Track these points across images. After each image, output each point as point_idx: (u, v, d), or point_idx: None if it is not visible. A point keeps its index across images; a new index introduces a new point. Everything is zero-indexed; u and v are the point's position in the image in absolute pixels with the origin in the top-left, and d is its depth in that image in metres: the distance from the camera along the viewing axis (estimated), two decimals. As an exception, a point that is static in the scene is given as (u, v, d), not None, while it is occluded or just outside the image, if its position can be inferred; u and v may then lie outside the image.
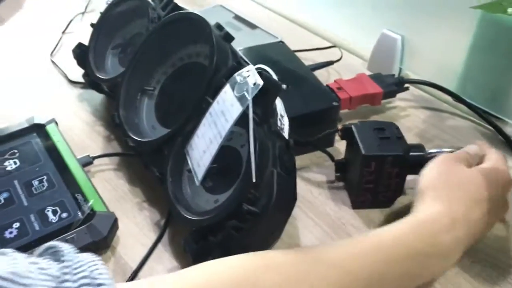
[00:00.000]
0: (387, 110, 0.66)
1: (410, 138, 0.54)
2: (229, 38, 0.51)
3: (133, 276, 0.45)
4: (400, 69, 0.72)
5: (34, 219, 0.48)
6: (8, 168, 0.53)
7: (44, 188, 0.51)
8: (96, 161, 0.56)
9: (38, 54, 0.76)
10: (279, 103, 0.47)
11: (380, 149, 0.49)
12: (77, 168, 0.53)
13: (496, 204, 0.44)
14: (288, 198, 0.44)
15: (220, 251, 0.42)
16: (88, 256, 0.31)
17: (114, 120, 0.56)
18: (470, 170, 0.44)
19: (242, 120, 0.43)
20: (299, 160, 0.52)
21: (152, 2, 0.60)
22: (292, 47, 0.69)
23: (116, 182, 0.55)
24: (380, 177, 0.49)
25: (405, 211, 0.51)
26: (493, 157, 0.47)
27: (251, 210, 0.40)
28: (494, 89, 0.64)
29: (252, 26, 0.80)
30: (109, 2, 0.66)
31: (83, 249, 0.32)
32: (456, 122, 0.65)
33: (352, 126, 0.52)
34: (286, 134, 0.45)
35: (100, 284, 0.28)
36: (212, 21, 0.52)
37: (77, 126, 0.63)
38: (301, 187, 0.54)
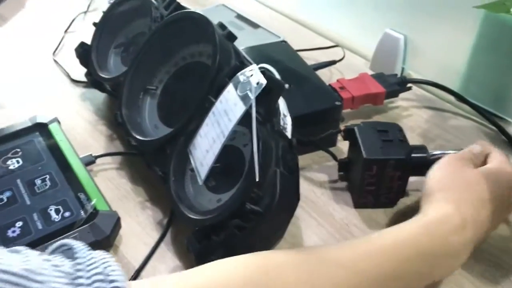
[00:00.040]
0: (390, 109, 0.66)
1: (413, 138, 0.54)
2: (232, 37, 0.51)
3: (135, 275, 0.45)
4: (403, 69, 0.72)
5: (37, 218, 0.48)
6: (11, 167, 0.53)
7: (47, 187, 0.51)
8: (98, 160, 0.56)
9: (41, 53, 0.76)
10: (282, 103, 0.47)
11: (382, 152, 0.49)
12: (80, 167, 0.53)
13: (501, 204, 0.44)
14: (291, 198, 0.44)
15: (223, 250, 0.42)
16: (100, 254, 0.31)
17: (116, 119, 0.56)
18: (476, 171, 0.44)
19: (245, 120, 0.43)
20: (301, 160, 0.52)
21: (154, 1, 0.59)
22: (295, 46, 0.69)
23: (118, 181, 0.55)
24: (381, 180, 0.49)
25: (408, 211, 0.52)
26: (498, 158, 0.47)
27: (254, 209, 0.40)
28: (497, 89, 0.64)
29: (255, 25, 0.80)
30: (111, 1, 0.66)
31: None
32: (459, 122, 0.64)
33: (355, 128, 0.51)
34: (289, 133, 0.45)
35: (112, 281, 0.28)
36: (214, 21, 0.52)
37: (79, 125, 0.63)
38: (304, 187, 0.54)
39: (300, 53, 0.68)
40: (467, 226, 0.40)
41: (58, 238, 0.46)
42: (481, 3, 0.50)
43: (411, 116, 0.65)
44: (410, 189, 0.52)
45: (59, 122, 0.60)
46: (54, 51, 0.77)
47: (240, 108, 0.43)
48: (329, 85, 0.62)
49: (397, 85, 0.64)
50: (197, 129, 0.48)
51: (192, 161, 0.47)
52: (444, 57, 0.67)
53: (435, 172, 0.45)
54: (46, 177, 0.52)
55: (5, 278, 0.26)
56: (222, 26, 0.52)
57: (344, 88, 0.61)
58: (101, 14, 0.67)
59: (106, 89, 0.64)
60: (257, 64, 0.45)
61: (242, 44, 0.58)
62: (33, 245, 0.45)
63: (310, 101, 0.58)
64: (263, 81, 0.42)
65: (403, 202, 0.52)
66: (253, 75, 0.43)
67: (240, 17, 0.82)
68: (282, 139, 0.44)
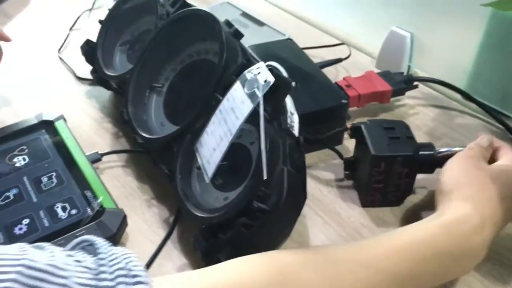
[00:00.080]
0: (396, 108, 0.66)
1: (419, 136, 0.54)
2: (238, 35, 0.51)
3: (142, 273, 0.45)
4: (409, 67, 0.72)
5: (43, 215, 0.48)
6: (17, 165, 0.53)
7: (53, 184, 0.51)
8: (104, 158, 0.56)
9: (46, 51, 0.76)
10: (289, 101, 0.47)
11: (390, 149, 0.48)
12: (86, 165, 0.53)
13: None
14: (298, 196, 0.43)
15: (229, 248, 0.42)
16: (122, 249, 0.31)
17: (122, 117, 0.56)
18: (491, 168, 0.44)
19: (252, 118, 0.43)
20: (308, 158, 0.52)
21: (161, -1, 0.59)
22: (300, 44, 0.69)
23: (124, 179, 0.55)
24: (389, 177, 0.49)
25: (416, 209, 0.52)
26: (509, 155, 0.47)
27: (262, 207, 0.40)
28: (504, 87, 0.63)
29: (260, 23, 0.80)
30: (117, -1, 0.66)
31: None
32: (466, 121, 0.64)
33: (362, 126, 0.51)
34: (296, 131, 0.45)
35: (135, 276, 0.29)
36: (219, 18, 0.51)
37: (85, 122, 0.63)
38: (310, 185, 0.54)
39: (306, 51, 0.68)
40: (486, 226, 0.40)
41: (65, 235, 0.46)
42: (488, 1, 0.50)
43: (418, 115, 0.65)
44: (416, 186, 0.52)
45: (65, 120, 0.60)
46: (60, 49, 0.77)
47: (248, 106, 0.42)
48: (335, 83, 0.61)
49: (404, 83, 0.64)
50: (204, 127, 0.48)
51: (198, 159, 0.47)
52: (451, 55, 0.67)
53: (449, 171, 0.45)
54: (52, 175, 0.52)
55: (30, 273, 0.26)
56: (228, 23, 0.52)
57: (350, 86, 0.61)
58: (106, 12, 0.67)
59: (112, 87, 0.64)
60: (263, 62, 0.45)
61: (247, 42, 0.58)
62: (39, 242, 0.45)
63: (317, 99, 0.57)
64: (271, 79, 0.41)
65: (410, 200, 0.52)
66: (261, 73, 0.43)
67: (245, 14, 0.82)
68: (289, 137, 0.44)
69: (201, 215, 0.45)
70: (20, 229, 0.47)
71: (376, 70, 0.66)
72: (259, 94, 0.42)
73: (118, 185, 0.54)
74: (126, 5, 0.66)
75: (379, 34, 0.72)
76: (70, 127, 0.59)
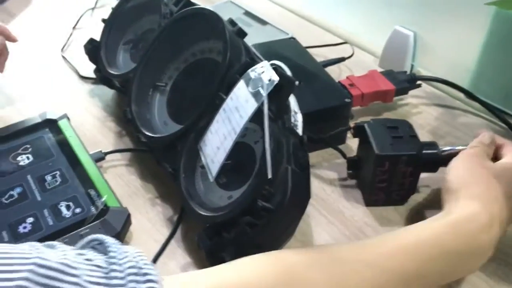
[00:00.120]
0: (399, 107, 0.65)
1: (423, 135, 0.54)
2: (242, 34, 0.51)
3: (146, 272, 0.45)
4: (412, 66, 0.72)
5: (47, 214, 0.48)
6: (21, 163, 0.53)
7: (57, 183, 0.51)
8: (108, 157, 0.57)
9: (49, 49, 0.77)
10: (292, 100, 0.47)
11: (394, 148, 0.48)
12: (90, 164, 0.53)
13: None
14: (302, 195, 0.43)
15: (233, 247, 0.42)
16: (132, 248, 0.31)
17: (126, 116, 0.56)
18: (494, 167, 0.44)
19: (255, 116, 0.43)
20: (311, 157, 0.52)
21: (164, -2, 0.59)
22: (303, 43, 0.69)
23: (128, 178, 0.55)
24: (393, 177, 0.49)
25: (419, 208, 0.51)
26: None
27: (266, 206, 0.40)
28: (508, 86, 0.63)
29: (263, 22, 0.80)
30: (120, -2, 0.66)
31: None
32: (469, 120, 0.64)
33: (365, 125, 0.51)
34: (300, 130, 0.45)
35: (146, 274, 0.29)
36: (222, 17, 0.51)
37: (88, 121, 0.63)
38: (314, 184, 0.54)
39: (309, 50, 0.68)
40: (494, 224, 0.40)
41: (69, 234, 0.46)
42: (492, 0, 0.50)
43: (421, 114, 0.65)
44: (420, 185, 0.52)
45: (68, 119, 0.60)
46: (63, 48, 0.77)
47: (252, 105, 0.42)
48: (339, 82, 0.61)
49: (407, 82, 0.64)
50: (208, 126, 0.48)
51: (202, 158, 0.47)
52: (454, 54, 0.67)
53: (454, 170, 0.45)
54: (56, 173, 0.52)
55: (42, 272, 0.26)
56: (232, 22, 0.52)
57: (353, 85, 0.61)
58: (109, 11, 0.67)
59: (115, 86, 0.64)
60: (267, 61, 0.45)
61: (250, 41, 0.58)
62: (44, 241, 0.45)
63: (320, 98, 0.57)
64: (275, 78, 0.42)
65: (414, 199, 0.52)
66: (265, 72, 0.43)
67: (248, 13, 0.82)
68: (293, 136, 0.44)
69: (205, 214, 0.45)
70: (25, 227, 0.47)
71: (379, 69, 0.66)
72: (264, 93, 0.42)
73: (122, 184, 0.54)
74: (129, 4, 0.66)
75: (382, 33, 0.72)
76: (73, 126, 0.59)
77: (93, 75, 0.68)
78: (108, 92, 0.67)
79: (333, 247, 0.41)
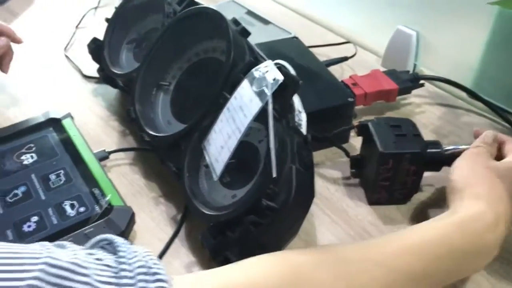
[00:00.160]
0: (402, 106, 0.66)
1: (426, 135, 0.54)
2: (245, 33, 0.51)
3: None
4: (415, 66, 0.72)
5: (52, 213, 0.48)
6: (25, 162, 0.53)
7: (61, 182, 0.51)
8: (111, 156, 0.57)
9: (52, 49, 0.77)
10: (296, 99, 0.47)
11: (397, 146, 0.49)
12: (94, 163, 0.53)
13: None
14: (307, 194, 0.43)
15: (238, 246, 0.42)
16: (141, 248, 0.31)
17: (129, 115, 0.56)
18: (498, 166, 0.45)
19: (259, 116, 0.43)
20: (315, 156, 0.51)
21: (167, -3, 0.59)
22: (305, 42, 0.69)
23: (132, 177, 0.55)
24: (397, 175, 0.49)
25: (423, 208, 0.52)
26: None
27: (270, 205, 0.40)
28: (511, 85, 0.63)
29: (265, 21, 0.80)
30: (124, -3, 0.66)
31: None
32: (472, 119, 0.64)
33: (369, 123, 0.51)
34: (304, 129, 0.45)
35: (155, 273, 0.29)
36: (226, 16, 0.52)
37: (91, 120, 0.63)
38: (318, 183, 0.54)
39: (311, 49, 0.68)
40: (499, 223, 0.40)
41: (74, 233, 0.46)
42: (496, -1, 0.50)
43: (424, 113, 0.65)
44: (423, 184, 0.52)
45: (72, 118, 0.60)
46: (66, 47, 0.77)
47: (256, 104, 0.42)
48: (342, 81, 0.61)
49: (410, 81, 0.64)
50: (212, 125, 0.48)
51: (206, 157, 0.47)
52: (457, 54, 0.67)
53: (458, 169, 0.45)
54: (60, 172, 0.52)
55: (53, 271, 0.26)
56: (235, 21, 0.52)
57: (356, 84, 0.61)
58: (112, 10, 0.67)
59: (118, 85, 0.64)
60: (271, 60, 0.45)
61: (253, 40, 0.58)
62: (48, 240, 0.45)
63: (323, 98, 0.58)
64: (280, 77, 0.42)
65: (417, 198, 0.52)
66: (269, 71, 0.43)
67: (250, 13, 0.82)
68: (297, 135, 0.44)
69: (209, 213, 0.45)
70: (29, 226, 0.47)
71: (382, 69, 0.66)
72: (268, 92, 0.42)
73: (126, 183, 0.55)
74: (132, 3, 0.66)
75: (384, 32, 0.72)
76: (76, 125, 0.59)
77: (96, 75, 0.68)
78: (111, 91, 0.67)
79: (339, 247, 0.42)
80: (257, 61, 0.48)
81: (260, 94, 0.43)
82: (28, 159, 0.54)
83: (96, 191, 0.50)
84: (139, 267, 0.29)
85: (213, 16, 0.52)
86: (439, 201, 0.52)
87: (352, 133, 0.59)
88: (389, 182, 0.50)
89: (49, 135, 0.57)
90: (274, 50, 0.66)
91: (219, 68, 0.50)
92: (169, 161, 0.51)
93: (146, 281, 0.28)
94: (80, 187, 0.51)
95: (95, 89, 0.69)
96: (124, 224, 0.47)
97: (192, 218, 0.50)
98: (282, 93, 0.42)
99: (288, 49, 0.66)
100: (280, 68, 0.43)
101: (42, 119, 0.59)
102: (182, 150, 0.50)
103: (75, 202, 0.49)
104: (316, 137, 0.51)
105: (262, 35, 0.74)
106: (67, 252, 0.28)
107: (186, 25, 0.56)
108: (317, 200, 0.52)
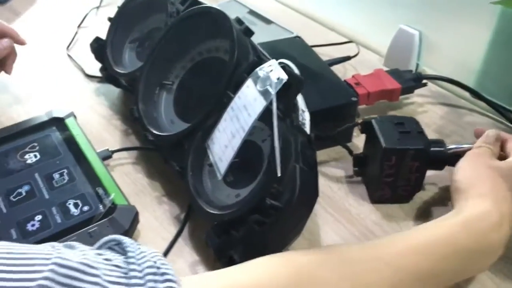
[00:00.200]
0: (405, 106, 0.66)
1: (428, 134, 0.54)
2: (249, 32, 0.51)
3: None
4: (417, 65, 0.72)
5: (55, 212, 0.48)
6: (29, 161, 0.53)
7: (65, 181, 0.51)
8: (114, 155, 0.57)
9: (54, 48, 0.77)
10: (300, 98, 0.47)
11: (401, 142, 0.49)
12: (97, 162, 0.53)
13: None
14: (311, 193, 0.43)
15: (242, 245, 0.42)
16: (149, 248, 0.31)
17: (133, 114, 0.56)
18: (501, 166, 0.45)
19: (263, 115, 0.43)
20: (318, 156, 0.52)
21: (170, -4, 0.59)
22: (307, 42, 0.69)
23: (135, 176, 0.56)
24: (400, 171, 0.49)
25: (426, 207, 0.52)
26: None
27: (274, 204, 0.40)
28: (513, 85, 0.64)
29: (267, 21, 0.80)
30: (126, -4, 0.66)
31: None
32: (475, 119, 0.64)
33: (372, 120, 0.51)
34: (307, 129, 0.45)
35: (164, 273, 0.29)
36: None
37: (94, 120, 0.64)
38: (320, 182, 0.53)
39: (313, 49, 0.68)
40: (504, 223, 0.40)
41: (77, 232, 0.46)
42: (499, -2, 0.50)
43: (426, 113, 0.65)
44: (426, 183, 0.52)
45: (75, 117, 0.60)
46: (68, 46, 0.77)
47: (261, 104, 0.43)
48: (345, 81, 0.61)
49: (413, 81, 0.64)
50: (215, 125, 0.48)
51: (210, 156, 0.47)
52: (460, 53, 0.67)
53: (461, 170, 0.45)
54: (64, 172, 0.52)
55: (63, 272, 0.26)
56: (239, 21, 0.52)
57: (359, 84, 0.61)
58: (114, 9, 0.67)
59: (121, 84, 0.64)
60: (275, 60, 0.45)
61: (255, 40, 0.58)
62: (53, 239, 0.46)
63: (326, 97, 0.58)
64: (284, 77, 0.42)
65: (420, 197, 0.52)
66: (273, 71, 0.43)
67: (252, 12, 0.82)
68: (301, 135, 0.44)
69: (213, 212, 0.45)
70: (33, 225, 0.47)
71: (384, 68, 0.66)
72: (272, 91, 0.42)
73: (129, 182, 0.55)
74: (135, 2, 0.66)
75: (387, 32, 0.72)
76: (79, 124, 0.59)
77: (98, 74, 0.68)
78: (113, 91, 0.67)
79: (343, 247, 0.42)
80: (260, 60, 0.49)
81: (265, 93, 0.43)
82: (31, 158, 0.54)
83: (100, 190, 0.50)
84: (148, 267, 0.29)
85: (216, 16, 0.52)
86: (442, 200, 0.52)
87: (355, 133, 0.59)
88: (392, 179, 0.50)
89: (52, 134, 0.57)
90: (276, 49, 0.66)
91: (223, 67, 0.50)
92: (172, 160, 0.51)
93: (155, 281, 0.28)
94: (83, 186, 0.51)
95: (98, 88, 0.69)
96: (128, 223, 0.47)
97: (196, 217, 0.50)
98: (286, 93, 0.42)
99: (291, 49, 0.66)
100: (284, 67, 0.43)
101: (45, 118, 0.59)
102: (186, 149, 0.50)
103: (78, 201, 0.49)
104: (319, 136, 0.51)
105: (264, 34, 0.74)
106: (76, 253, 0.29)
107: (189, 24, 0.56)
108: (319, 199, 0.51)
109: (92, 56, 0.67)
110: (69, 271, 0.26)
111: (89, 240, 0.45)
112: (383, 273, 0.36)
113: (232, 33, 0.49)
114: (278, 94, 0.42)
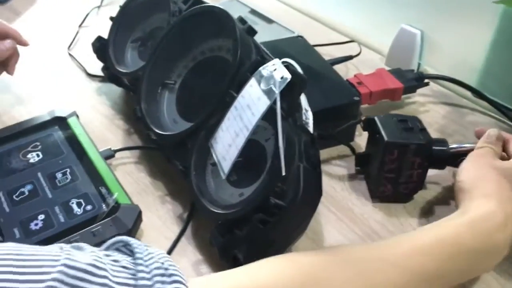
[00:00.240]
0: (407, 105, 0.66)
1: (430, 133, 0.54)
2: (252, 32, 0.51)
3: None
4: (419, 65, 0.72)
5: (59, 211, 0.48)
6: (31, 161, 0.53)
7: (68, 180, 0.51)
8: (117, 154, 0.57)
9: (56, 47, 0.77)
10: (303, 98, 0.47)
11: (403, 137, 0.49)
12: (100, 161, 0.53)
13: None
14: (314, 192, 0.43)
15: (246, 244, 0.42)
16: (157, 249, 0.32)
17: (135, 114, 0.56)
18: (503, 167, 0.45)
19: (267, 114, 0.43)
20: (320, 155, 0.52)
21: (173, -4, 0.59)
22: (309, 41, 0.69)
23: (137, 175, 0.56)
24: (402, 166, 0.49)
25: (428, 206, 0.52)
26: None
27: (278, 203, 0.40)
28: (515, 84, 0.64)
29: (269, 20, 0.80)
30: (128, -5, 0.66)
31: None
32: (476, 118, 0.64)
33: (375, 117, 0.52)
34: (311, 128, 0.45)
35: (172, 274, 0.29)
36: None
37: (96, 119, 0.63)
38: (323, 181, 0.53)
39: (315, 49, 0.68)
40: (509, 223, 0.40)
41: (81, 231, 0.46)
42: (501, -2, 0.50)
43: (428, 112, 0.65)
44: (428, 182, 0.52)
45: (77, 116, 0.60)
46: (69, 46, 0.77)
47: (264, 103, 0.43)
48: (347, 80, 0.61)
49: (415, 80, 0.64)
50: (219, 124, 0.48)
51: (214, 156, 0.47)
52: (462, 53, 0.67)
53: (465, 171, 0.45)
54: (66, 171, 0.52)
55: (71, 273, 0.26)
56: (242, 20, 0.52)
57: (361, 83, 0.61)
58: (115, 8, 0.67)
59: (123, 84, 0.64)
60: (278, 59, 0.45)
61: (257, 39, 0.58)
62: (56, 238, 0.46)
63: (329, 96, 0.58)
64: (288, 76, 0.42)
65: (423, 197, 0.52)
66: (277, 70, 0.43)
67: (254, 12, 0.82)
68: (305, 134, 0.44)
69: (217, 211, 0.45)
70: (36, 224, 0.47)
71: (386, 68, 0.66)
72: (276, 90, 0.42)
73: (131, 181, 0.55)
74: (137, 2, 0.65)
75: (389, 31, 0.72)
76: (82, 124, 0.59)
77: (100, 73, 0.68)
78: (115, 90, 0.67)
79: (348, 248, 0.42)
80: (263, 59, 0.48)
81: (268, 92, 0.43)
82: (34, 157, 0.54)
83: (103, 190, 0.50)
84: (156, 268, 0.29)
85: (219, 15, 0.52)
86: (446, 199, 0.53)
87: (357, 132, 0.59)
88: (394, 174, 0.50)
89: (54, 133, 0.57)
90: (279, 49, 0.66)
91: (225, 66, 0.50)
92: (175, 159, 0.51)
93: (163, 282, 0.29)
94: (86, 185, 0.51)
95: (99, 87, 0.69)
96: (131, 222, 0.47)
97: (198, 216, 0.50)
98: (289, 92, 0.43)
99: (292, 48, 0.66)
100: (288, 66, 0.43)
101: (47, 118, 0.59)
102: (189, 148, 0.50)
103: (82, 201, 0.49)
104: (322, 134, 0.51)
105: (265, 34, 0.74)
106: (85, 254, 0.29)
107: (192, 23, 0.56)
108: (322, 198, 0.51)
109: (94, 55, 0.67)
110: (78, 273, 0.26)
111: (93, 239, 0.45)
112: (389, 274, 0.36)
113: (235, 32, 0.49)
114: (282, 93, 0.42)
